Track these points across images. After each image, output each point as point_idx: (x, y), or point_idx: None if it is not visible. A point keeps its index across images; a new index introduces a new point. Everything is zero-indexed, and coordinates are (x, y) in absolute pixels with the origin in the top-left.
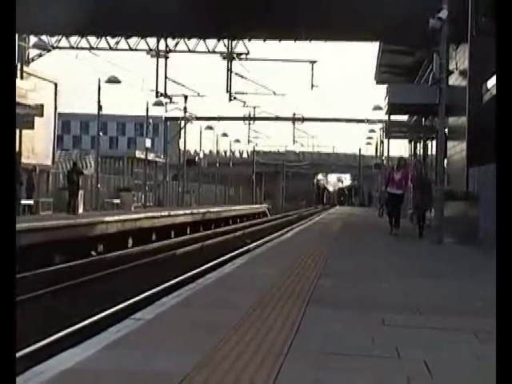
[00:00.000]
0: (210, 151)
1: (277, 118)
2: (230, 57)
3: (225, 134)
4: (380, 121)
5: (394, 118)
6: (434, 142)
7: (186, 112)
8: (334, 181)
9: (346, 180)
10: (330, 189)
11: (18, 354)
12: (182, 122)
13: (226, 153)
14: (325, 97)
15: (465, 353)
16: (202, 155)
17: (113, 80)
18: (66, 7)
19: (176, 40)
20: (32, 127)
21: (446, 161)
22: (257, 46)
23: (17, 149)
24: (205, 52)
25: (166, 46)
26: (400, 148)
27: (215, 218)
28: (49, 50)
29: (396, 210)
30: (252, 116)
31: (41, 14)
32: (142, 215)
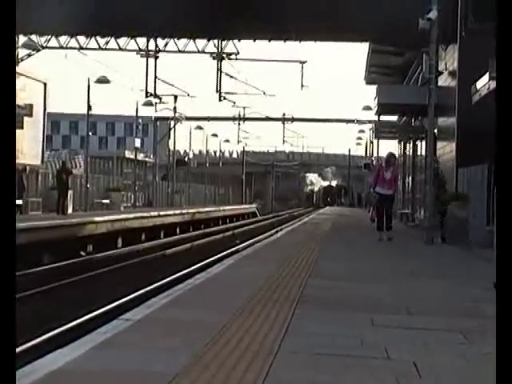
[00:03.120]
0: (200, 151)
1: (267, 118)
2: (219, 57)
3: (214, 134)
4: (370, 121)
5: (383, 118)
6: (424, 143)
7: (175, 112)
8: (318, 178)
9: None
10: (315, 188)
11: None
12: (172, 122)
13: (215, 153)
14: (314, 97)
15: (454, 353)
16: (191, 155)
17: (102, 80)
18: (56, 7)
19: (166, 40)
20: (21, 127)
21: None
22: (246, 47)
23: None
24: (194, 52)
25: (156, 45)
26: (389, 148)
27: (205, 218)
28: (38, 50)
29: (388, 212)
30: (242, 116)
31: (30, 14)
32: (132, 215)
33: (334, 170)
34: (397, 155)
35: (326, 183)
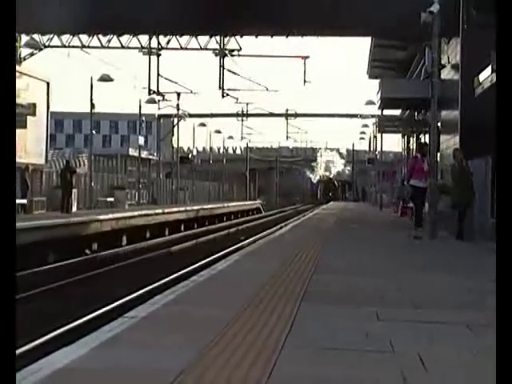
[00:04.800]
0: (204, 148)
1: (270, 114)
2: (222, 53)
3: (218, 131)
4: (373, 115)
5: (386, 112)
6: (427, 136)
7: (178, 109)
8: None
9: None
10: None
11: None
12: (175, 120)
13: (219, 150)
14: (317, 92)
15: (459, 346)
16: (195, 152)
17: (105, 78)
18: (57, 6)
19: (168, 37)
20: (25, 126)
21: (438, 155)
22: (249, 43)
23: None
24: (197, 49)
25: (158, 43)
26: (393, 142)
27: (209, 215)
28: (40, 49)
29: (422, 206)
30: (245, 112)
31: (32, 13)
32: (136, 213)
33: (337, 161)
34: (400, 149)
35: (335, 176)
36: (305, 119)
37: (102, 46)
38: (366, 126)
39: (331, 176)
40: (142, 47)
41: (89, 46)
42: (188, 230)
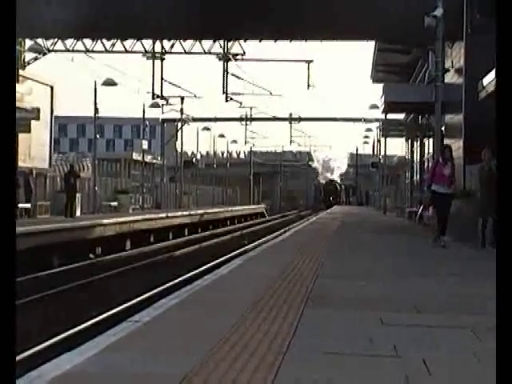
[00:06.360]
0: (207, 152)
1: (273, 119)
2: (225, 58)
3: (222, 135)
4: (377, 120)
5: (390, 116)
6: (431, 140)
7: (182, 113)
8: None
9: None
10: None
11: (18, 357)
12: (179, 124)
13: (223, 154)
14: (321, 96)
15: (463, 351)
16: (199, 156)
17: (109, 82)
18: (62, 10)
19: (172, 41)
20: (28, 131)
21: None
22: (253, 47)
23: None
24: (201, 53)
25: (162, 47)
26: (397, 146)
27: (213, 219)
28: (44, 54)
29: (446, 213)
30: (249, 116)
31: (36, 18)
32: (140, 217)
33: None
34: (404, 153)
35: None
36: (309, 123)
37: (106, 51)
38: (369, 130)
39: (332, 178)
40: (146, 51)
41: (93, 51)
42: (192, 235)
